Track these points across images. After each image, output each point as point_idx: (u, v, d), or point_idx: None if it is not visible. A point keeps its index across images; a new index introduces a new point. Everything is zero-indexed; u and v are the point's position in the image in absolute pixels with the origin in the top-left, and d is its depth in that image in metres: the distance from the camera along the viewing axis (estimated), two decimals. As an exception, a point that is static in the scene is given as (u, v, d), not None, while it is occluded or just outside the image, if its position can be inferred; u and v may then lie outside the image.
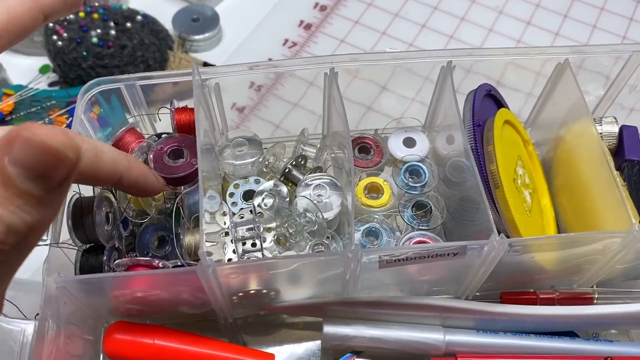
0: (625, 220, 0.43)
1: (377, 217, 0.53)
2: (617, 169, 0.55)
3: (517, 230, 0.45)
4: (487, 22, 0.84)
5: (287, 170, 0.53)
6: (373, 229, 0.52)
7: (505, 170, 0.47)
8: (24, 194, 0.20)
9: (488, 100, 0.52)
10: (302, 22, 0.84)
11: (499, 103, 0.54)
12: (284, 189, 0.51)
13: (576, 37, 0.82)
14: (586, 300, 0.49)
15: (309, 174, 0.52)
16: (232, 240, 0.47)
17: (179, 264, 0.44)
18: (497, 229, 0.42)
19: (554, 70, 0.52)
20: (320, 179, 0.51)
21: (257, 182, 0.53)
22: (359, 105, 0.69)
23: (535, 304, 0.49)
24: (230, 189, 0.52)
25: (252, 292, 0.44)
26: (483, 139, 0.47)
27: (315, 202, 0.48)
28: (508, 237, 0.46)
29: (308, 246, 0.47)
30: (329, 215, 0.49)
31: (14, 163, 0.20)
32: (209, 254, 0.39)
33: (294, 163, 0.54)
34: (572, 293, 0.49)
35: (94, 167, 0.33)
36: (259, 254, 0.47)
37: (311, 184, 0.50)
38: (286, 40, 0.82)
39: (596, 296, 0.50)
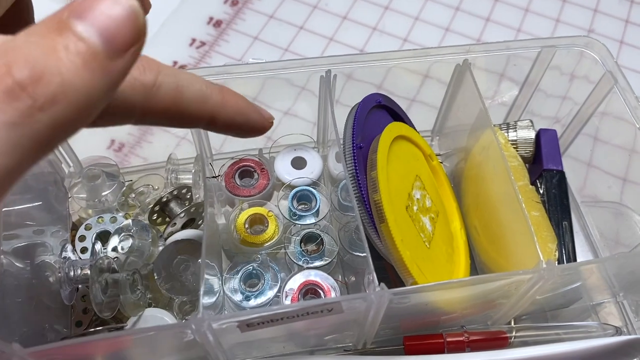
0: (533, 255, 0.36)
1: (261, 255, 0.45)
2: (536, 179, 0.49)
3: (407, 270, 0.38)
4: (413, 11, 0.77)
5: (164, 200, 0.45)
6: (254, 271, 0.44)
7: (396, 198, 0.39)
8: (85, 53, 0.16)
9: (380, 112, 0.45)
10: (211, 19, 0.77)
11: (395, 115, 0.46)
12: (146, 227, 0.43)
13: (510, 23, 0.76)
14: (500, 340, 0.42)
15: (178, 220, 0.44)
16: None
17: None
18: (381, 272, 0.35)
19: (454, 73, 0.45)
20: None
21: (114, 220, 0.45)
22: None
23: (442, 349, 0.42)
24: (81, 231, 0.44)
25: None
26: (367, 161, 0.40)
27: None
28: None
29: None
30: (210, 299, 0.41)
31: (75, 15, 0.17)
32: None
33: (175, 193, 0.46)
34: (484, 333, 0.42)
35: (176, 101, 0.25)
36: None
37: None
38: (194, 40, 0.74)
39: (513, 334, 0.43)
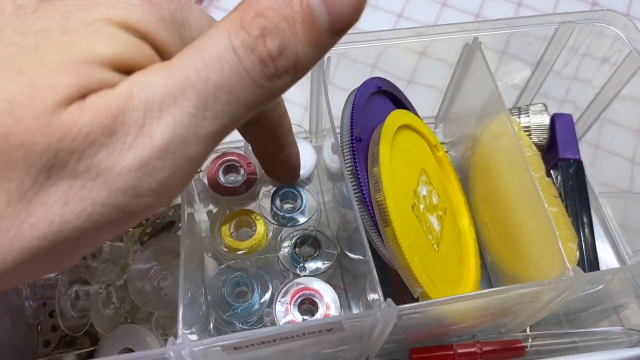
0: (556, 259, 0.32)
1: (250, 261, 0.40)
2: (551, 169, 0.44)
3: (415, 279, 0.33)
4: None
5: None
6: (242, 280, 0.40)
7: (400, 196, 0.35)
8: (314, 29, 0.17)
9: (380, 99, 0.40)
10: (191, -4, 0.71)
11: (397, 101, 0.41)
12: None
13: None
14: (516, 350, 0.38)
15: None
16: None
17: None
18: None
19: (462, 53, 0.40)
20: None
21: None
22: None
23: (453, 363, 0.38)
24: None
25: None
26: (368, 156, 0.35)
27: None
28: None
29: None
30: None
31: None
32: None
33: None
34: (498, 343, 0.38)
35: (278, 124, 0.29)
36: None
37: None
38: (173, 20, 0.68)
39: (530, 342, 0.39)
